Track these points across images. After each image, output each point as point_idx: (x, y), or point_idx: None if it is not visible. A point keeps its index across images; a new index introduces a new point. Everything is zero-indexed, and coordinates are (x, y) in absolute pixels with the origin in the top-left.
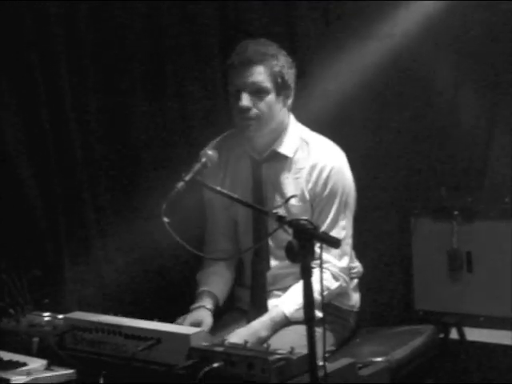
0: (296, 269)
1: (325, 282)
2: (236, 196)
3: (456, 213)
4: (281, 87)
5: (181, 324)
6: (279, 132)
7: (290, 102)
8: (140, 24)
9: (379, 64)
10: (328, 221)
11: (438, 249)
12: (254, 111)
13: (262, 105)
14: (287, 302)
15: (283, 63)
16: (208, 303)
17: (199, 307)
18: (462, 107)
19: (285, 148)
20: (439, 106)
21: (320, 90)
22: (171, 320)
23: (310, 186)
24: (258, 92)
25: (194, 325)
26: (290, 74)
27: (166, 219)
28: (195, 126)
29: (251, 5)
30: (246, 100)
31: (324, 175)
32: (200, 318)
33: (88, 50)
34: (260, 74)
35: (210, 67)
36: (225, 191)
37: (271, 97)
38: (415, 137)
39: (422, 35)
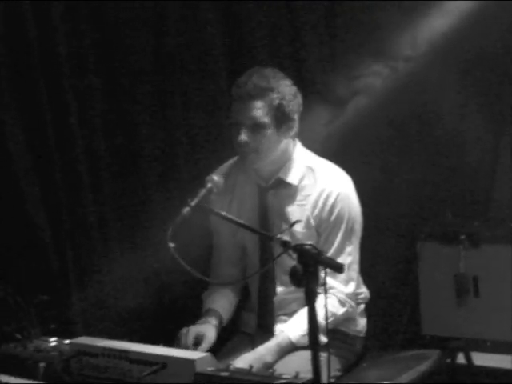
0: (302, 294)
1: (331, 308)
2: (242, 221)
3: (462, 237)
4: (281, 120)
5: (185, 335)
6: (284, 161)
7: (293, 132)
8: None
9: (385, 89)
10: (334, 247)
11: (444, 273)
12: (252, 145)
13: (261, 140)
14: (293, 327)
15: (284, 95)
16: (213, 320)
17: (203, 322)
18: (467, 133)
19: (290, 176)
20: (445, 131)
21: (325, 112)
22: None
23: (317, 211)
24: (256, 127)
25: (197, 337)
26: (292, 105)
27: (172, 244)
28: (201, 145)
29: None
30: (243, 135)
31: (330, 201)
32: (203, 330)
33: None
34: (258, 110)
35: (216, 84)
36: (231, 217)
37: (270, 131)
38: (421, 162)
39: (427, 63)
